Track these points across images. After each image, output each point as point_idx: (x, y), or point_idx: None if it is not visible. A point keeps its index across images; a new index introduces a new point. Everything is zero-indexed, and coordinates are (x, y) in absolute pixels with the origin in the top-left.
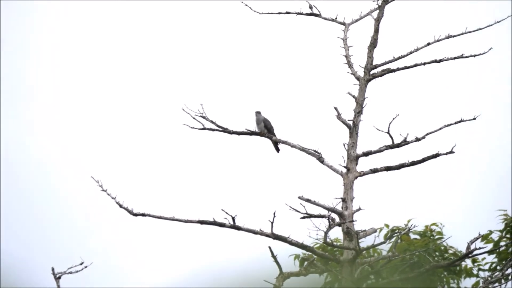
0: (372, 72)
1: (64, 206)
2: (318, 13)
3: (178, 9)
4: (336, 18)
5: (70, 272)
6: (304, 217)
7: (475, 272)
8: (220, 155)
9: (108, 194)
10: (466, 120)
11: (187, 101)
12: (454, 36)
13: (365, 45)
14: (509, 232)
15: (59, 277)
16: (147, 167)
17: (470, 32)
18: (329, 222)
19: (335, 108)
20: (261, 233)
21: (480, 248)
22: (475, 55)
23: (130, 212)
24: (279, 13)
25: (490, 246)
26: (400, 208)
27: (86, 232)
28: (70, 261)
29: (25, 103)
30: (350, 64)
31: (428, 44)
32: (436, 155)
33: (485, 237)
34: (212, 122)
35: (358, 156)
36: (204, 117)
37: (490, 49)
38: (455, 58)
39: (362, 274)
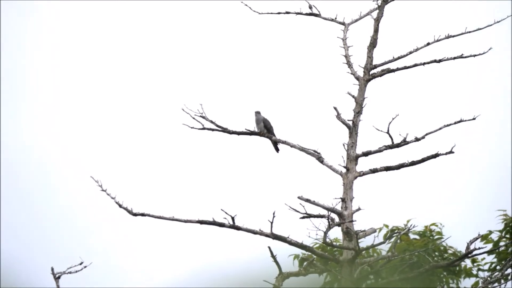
0: (371, 72)
1: (64, 206)
2: (318, 13)
3: (178, 9)
4: (335, 18)
5: (70, 272)
6: (303, 217)
7: (474, 272)
8: (219, 155)
9: (108, 194)
10: (465, 120)
11: (187, 101)
12: (453, 36)
13: (364, 45)
14: (509, 232)
15: (59, 277)
16: (147, 167)
17: (469, 32)
18: (328, 222)
19: (335, 108)
20: (261, 233)
21: (479, 248)
22: (474, 55)
23: (130, 212)
24: (279, 13)
25: (489, 246)
26: (400, 208)
27: (85, 232)
28: (70, 261)
29: (25, 103)
30: (349, 64)
31: (428, 44)
32: (435, 155)
33: (484, 237)
34: (211, 122)
35: (357, 156)
36: (203, 117)
37: (489, 49)
38: (454, 58)
39: (361, 274)
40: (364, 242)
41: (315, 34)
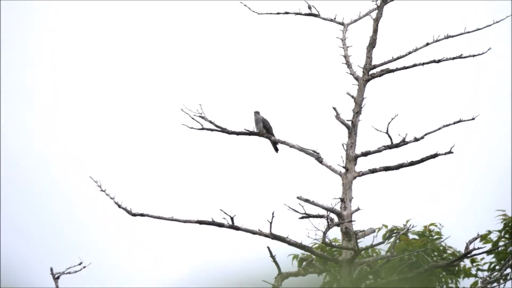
0: (371, 72)
1: (63, 206)
2: (317, 13)
3: (177, 9)
4: (335, 18)
5: (69, 272)
6: (302, 217)
7: (473, 272)
8: (219, 155)
9: (107, 194)
10: (465, 120)
11: (186, 101)
12: (453, 36)
13: (364, 45)
14: (508, 232)
15: (58, 277)
16: (146, 167)
17: (469, 32)
18: (327, 222)
19: (334, 108)
20: (260, 233)
21: (478, 248)
22: (474, 55)
23: (129, 212)
24: (278, 13)
25: (488, 246)
26: (399, 208)
27: (85, 232)
28: (69, 261)
29: (25, 103)
30: (349, 64)
31: (427, 44)
32: (435, 155)
33: (483, 237)
34: (210, 122)
35: (357, 156)
36: (202, 117)
37: (489, 49)
38: (454, 58)
39: (360, 274)
40: (363, 242)
41: (314, 34)
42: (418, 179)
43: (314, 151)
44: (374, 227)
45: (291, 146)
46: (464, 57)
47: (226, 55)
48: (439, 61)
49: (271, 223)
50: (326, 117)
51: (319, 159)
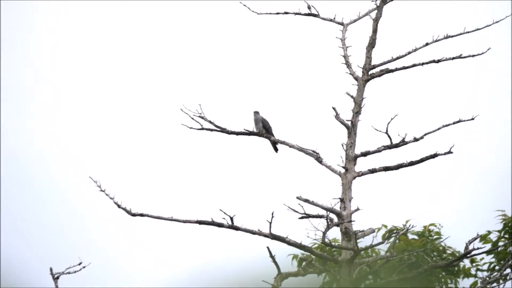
0: (370, 72)
1: (63, 206)
2: (317, 13)
3: (177, 9)
4: (334, 18)
5: (69, 272)
6: (302, 217)
7: (473, 272)
8: (218, 155)
9: (107, 194)
10: (464, 120)
11: (186, 101)
12: (452, 36)
13: (363, 45)
14: (508, 232)
15: (57, 277)
16: (146, 167)
17: (468, 32)
18: (327, 222)
19: (334, 108)
20: (260, 233)
21: (478, 249)
22: (473, 56)
23: (129, 212)
24: (278, 13)
25: (488, 246)
26: (399, 208)
27: (84, 232)
28: (69, 261)
29: (25, 103)
30: (348, 64)
31: (427, 44)
32: (434, 155)
33: (483, 238)
34: (210, 122)
35: (356, 156)
36: (202, 117)
37: (488, 49)
38: (453, 58)
39: (360, 274)
40: (362, 242)
41: (314, 34)
42: (418, 179)
43: (313, 151)
44: (373, 227)
45: (291, 146)
46: (464, 57)
47: (226, 55)
48: (438, 61)
49: (270, 223)
50: (326, 117)
51: (319, 159)
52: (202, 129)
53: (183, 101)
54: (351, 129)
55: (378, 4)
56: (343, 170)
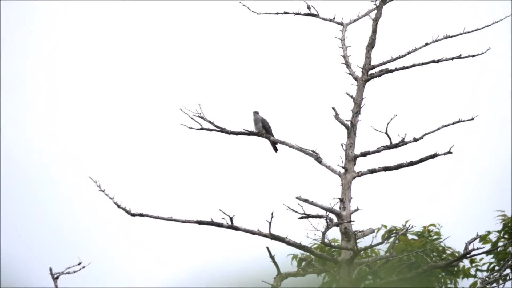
0: (370, 72)
1: (62, 206)
2: (316, 13)
3: (176, 9)
4: (334, 19)
5: (68, 272)
6: (302, 218)
7: (473, 272)
8: (218, 155)
9: (106, 195)
10: (464, 121)
11: (185, 101)
12: (452, 37)
13: (363, 45)
14: (507, 233)
15: (57, 277)
16: (145, 167)
17: (468, 32)
18: (327, 222)
19: (333, 109)
20: (259, 233)
21: (478, 249)
22: (473, 56)
23: (128, 212)
24: (277, 13)
25: (488, 246)
26: (398, 208)
27: (84, 232)
28: (68, 261)
29: (25, 103)
30: (348, 64)
31: (426, 44)
32: (434, 156)
33: (483, 238)
34: (210, 122)
35: (356, 157)
36: (202, 117)
37: (488, 50)
38: (453, 58)
39: (360, 275)
40: (362, 243)
41: (314, 34)
42: (417, 179)
43: (313, 151)
44: (373, 227)
45: (290, 146)
46: (464, 57)
47: (225, 55)
48: (438, 61)
49: (270, 223)
50: (325, 117)
51: (319, 159)
52: (202, 129)
53: (182, 101)
54: (351, 129)
55: (377, 4)
56: (342, 170)
